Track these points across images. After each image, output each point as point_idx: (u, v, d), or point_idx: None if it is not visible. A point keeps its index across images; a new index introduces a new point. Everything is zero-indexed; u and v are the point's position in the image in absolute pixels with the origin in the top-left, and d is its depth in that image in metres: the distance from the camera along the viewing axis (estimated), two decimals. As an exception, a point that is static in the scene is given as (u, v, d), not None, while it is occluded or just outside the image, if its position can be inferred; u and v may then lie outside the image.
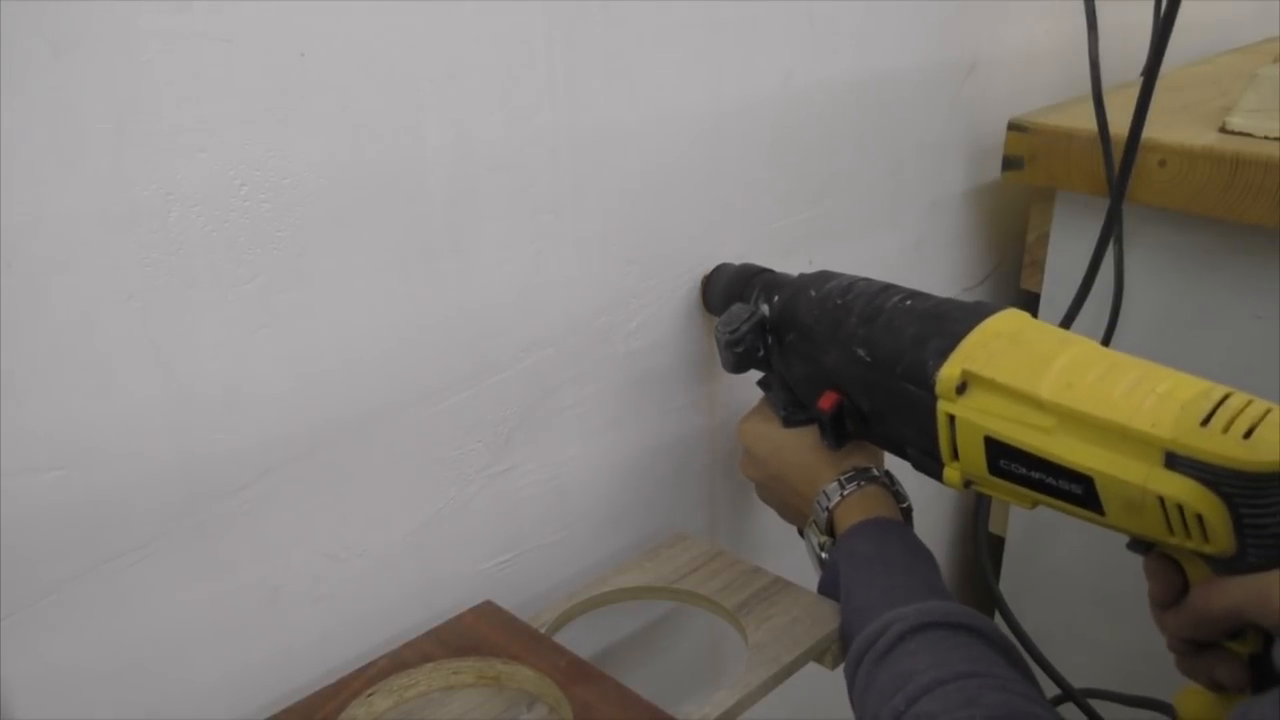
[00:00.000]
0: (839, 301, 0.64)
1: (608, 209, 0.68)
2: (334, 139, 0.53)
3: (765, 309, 0.69)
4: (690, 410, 0.80)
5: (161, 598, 0.53)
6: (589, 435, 0.73)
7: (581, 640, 0.71)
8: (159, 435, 0.50)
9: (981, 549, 0.98)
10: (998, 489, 0.56)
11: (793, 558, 0.80)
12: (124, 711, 0.53)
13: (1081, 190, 0.91)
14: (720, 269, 0.75)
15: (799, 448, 0.70)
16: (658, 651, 0.84)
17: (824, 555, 0.66)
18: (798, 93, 0.79)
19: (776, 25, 0.75)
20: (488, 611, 0.65)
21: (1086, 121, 0.88)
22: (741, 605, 0.68)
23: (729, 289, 0.73)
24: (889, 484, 0.68)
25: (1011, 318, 0.58)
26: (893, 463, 0.68)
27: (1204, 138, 0.84)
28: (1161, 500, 0.49)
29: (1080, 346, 0.55)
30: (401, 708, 0.59)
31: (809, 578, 0.71)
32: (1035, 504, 0.55)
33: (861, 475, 0.66)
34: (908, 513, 0.67)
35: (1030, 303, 1.01)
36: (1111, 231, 0.88)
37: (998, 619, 0.92)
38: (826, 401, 0.65)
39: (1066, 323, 0.91)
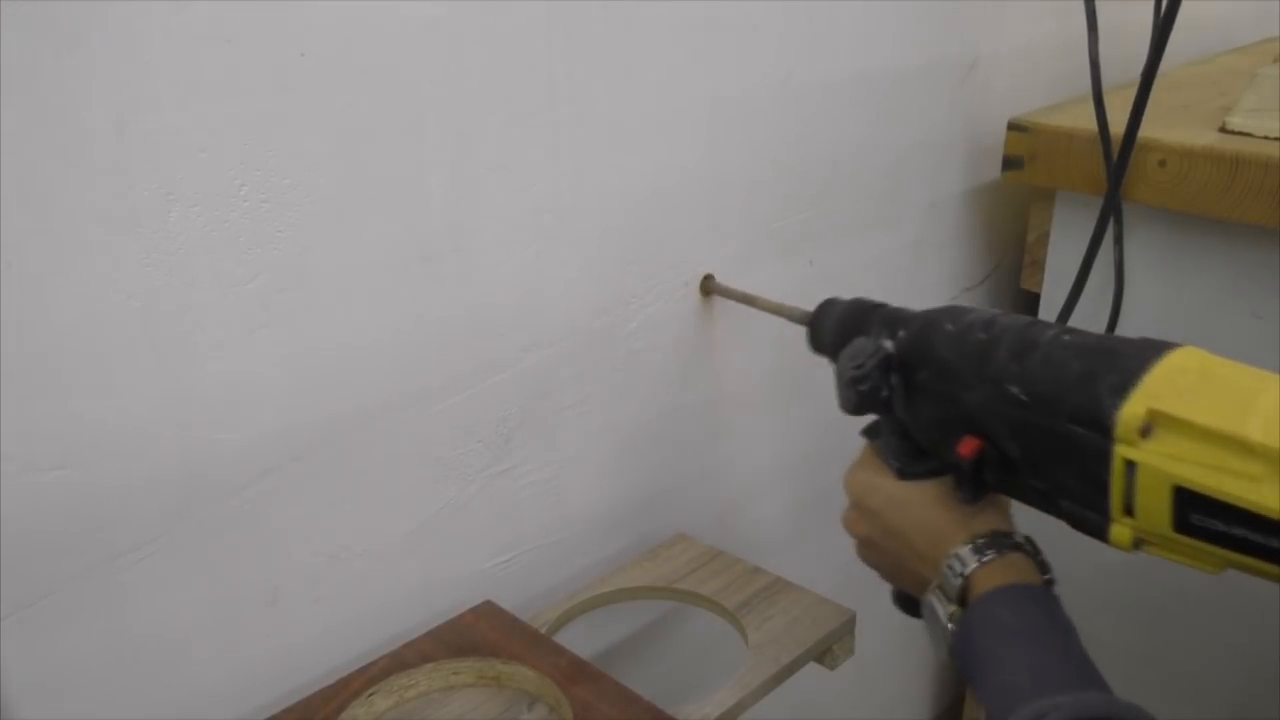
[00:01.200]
0: (982, 336, 0.57)
1: (608, 209, 0.68)
2: (334, 139, 0.53)
3: (889, 344, 0.61)
4: (690, 410, 0.80)
5: (162, 598, 0.53)
6: (589, 435, 0.73)
7: (581, 640, 0.71)
8: (159, 435, 0.51)
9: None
10: (1180, 549, 0.49)
11: (793, 558, 0.80)
12: (124, 711, 0.53)
13: (1081, 190, 0.91)
14: (828, 304, 0.67)
15: (923, 503, 0.61)
16: (658, 651, 0.84)
17: (951, 626, 0.58)
18: (798, 93, 0.79)
19: (776, 25, 0.75)
20: (488, 611, 0.65)
21: (1086, 121, 0.88)
22: (741, 605, 0.68)
23: (843, 324, 0.65)
24: (1033, 553, 0.60)
25: (1193, 353, 0.51)
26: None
27: (1204, 138, 0.84)
28: None
29: None
30: (401, 708, 0.59)
31: (809, 578, 0.71)
32: (1226, 566, 0.48)
33: (1002, 541, 0.58)
34: (1049, 584, 0.59)
35: (1030, 303, 1.01)
36: (1104, 231, 0.88)
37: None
38: (967, 448, 0.57)
39: (1064, 322, 0.91)
